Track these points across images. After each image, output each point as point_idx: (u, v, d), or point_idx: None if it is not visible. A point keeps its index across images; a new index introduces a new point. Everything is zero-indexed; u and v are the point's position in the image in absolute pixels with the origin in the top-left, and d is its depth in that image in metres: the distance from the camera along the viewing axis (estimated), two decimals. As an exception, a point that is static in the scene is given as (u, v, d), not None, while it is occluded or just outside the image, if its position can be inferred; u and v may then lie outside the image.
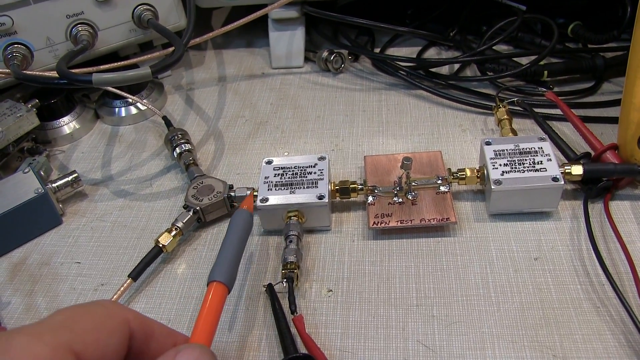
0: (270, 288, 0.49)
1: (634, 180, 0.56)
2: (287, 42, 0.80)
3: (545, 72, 0.70)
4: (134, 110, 0.74)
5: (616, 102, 0.65)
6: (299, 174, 0.55)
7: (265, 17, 0.77)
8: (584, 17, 0.75)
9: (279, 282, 0.49)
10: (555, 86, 0.71)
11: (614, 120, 0.62)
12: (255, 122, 0.71)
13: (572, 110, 0.60)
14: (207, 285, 0.40)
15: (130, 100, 0.72)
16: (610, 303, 0.46)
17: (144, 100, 0.72)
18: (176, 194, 0.62)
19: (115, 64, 0.67)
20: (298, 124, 0.70)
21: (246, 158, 0.66)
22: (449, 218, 0.52)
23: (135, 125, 0.74)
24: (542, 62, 0.70)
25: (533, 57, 0.69)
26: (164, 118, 0.68)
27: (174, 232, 0.54)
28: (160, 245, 0.53)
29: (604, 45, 0.73)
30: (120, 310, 0.33)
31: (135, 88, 0.74)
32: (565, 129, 0.63)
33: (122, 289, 0.50)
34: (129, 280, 0.51)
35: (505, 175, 0.52)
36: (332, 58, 0.77)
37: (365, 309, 0.48)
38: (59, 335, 0.29)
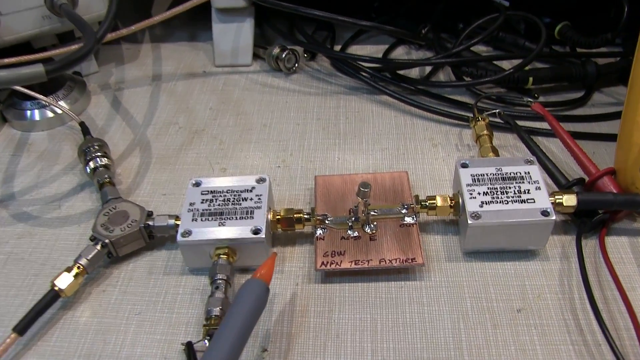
0: (189, 348, 0.41)
1: (632, 212, 0.50)
2: (234, 36, 0.73)
3: (531, 79, 0.65)
4: (49, 114, 0.65)
5: (609, 116, 0.62)
6: (231, 200, 0.48)
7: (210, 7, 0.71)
8: (573, 18, 0.70)
9: (201, 340, 0.41)
10: (540, 95, 0.66)
11: (607, 137, 0.59)
12: (190, 131, 0.64)
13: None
14: None
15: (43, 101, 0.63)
16: (610, 370, 0.40)
17: (60, 102, 0.64)
18: (88, 218, 0.53)
19: (22, 57, 0.58)
20: (240, 133, 0.63)
21: (175, 175, 0.58)
22: (414, 259, 0.46)
23: (49, 132, 0.65)
24: (526, 68, 0.65)
25: (515, 61, 0.65)
26: (82, 124, 0.60)
27: (75, 272, 0.45)
28: (57, 289, 0.44)
29: (594, 50, 0.69)
30: None
31: (51, 87, 0.65)
32: (551, 146, 0.59)
33: (3, 346, 0.41)
34: (12, 335, 0.42)
35: (485, 207, 0.46)
36: (284, 56, 0.71)
37: (308, 378, 0.41)
38: None
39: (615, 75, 0.66)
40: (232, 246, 0.45)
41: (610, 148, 0.56)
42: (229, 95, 0.69)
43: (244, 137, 0.63)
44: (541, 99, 0.65)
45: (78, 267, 0.45)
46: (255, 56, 0.75)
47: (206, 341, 0.41)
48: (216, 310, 0.42)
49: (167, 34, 0.82)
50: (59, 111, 0.64)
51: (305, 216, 0.48)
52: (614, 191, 0.48)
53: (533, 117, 0.61)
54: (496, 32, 0.71)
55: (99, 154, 0.55)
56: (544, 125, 0.59)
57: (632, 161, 0.48)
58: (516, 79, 0.65)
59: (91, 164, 0.54)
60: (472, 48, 0.69)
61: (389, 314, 0.44)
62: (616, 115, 0.60)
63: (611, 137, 0.57)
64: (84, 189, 0.57)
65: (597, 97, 0.66)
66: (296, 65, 0.72)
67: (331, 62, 0.74)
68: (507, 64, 0.67)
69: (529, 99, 0.63)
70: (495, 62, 0.69)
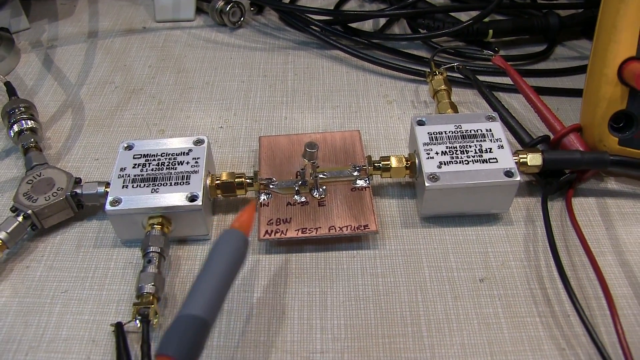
0: (119, 329, 0.38)
1: (599, 171, 0.49)
2: (175, -12, 0.70)
3: (491, 32, 0.62)
4: (-29, 73, 0.60)
5: (573, 71, 0.61)
6: (166, 164, 0.44)
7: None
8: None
9: (132, 321, 0.38)
10: (500, 49, 0.64)
11: (571, 92, 0.57)
12: (127, 90, 0.60)
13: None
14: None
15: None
16: (579, 342, 0.38)
17: (-17, 61, 0.59)
18: (13, 187, 0.49)
19: None
20: (180, 92, 0.59)
21: (110, 138, 0.54)
22: (367, 226, 0.43)
23: (-27, 93, 0.60)
24: (486, 20, 0.62)
25: (474, 13, 0.62)
26: (7, 84, 0.55)
27: (-8, 246, 0.41)
28: (-30, 265, 0.40)
29: (555, 2, 0.68)
30: None
31: (-29, 43, 0.60)
32: (513, 102, 0.57)
33: None
34: None
35: (444, 168, 0.43)
36: (228, 9, 0.67)
37: (251, 358, 0.38)
38: None
39: (577, 28, 0.64)
40: (166, 215, 0.42)
41: (574, 104, 0.55)
42: (170, 52, 0.66)
43: (184, 97, 0.59)
44: (501, 52, 0.63)
45: (-4, 242, 0.41)
46: (199, 10, 0.71)
47: (137, 322, 0.37)
48: (148, 287, 0.38)
49: (106, -12, 0.78)
50: (-18, 70, 0.59)
51: (247, 180, 0.45)
52: (581, 149, 0.47)
53: (494, 72, 0.59)
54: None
55: (24, 116, 0.51)
56: (506, 80, 0.57)
57: (600, 117, 0.46)
58: (475, 31, 0.63)
59: (15, 127, 0.50)
60: (428, -1, 0.65)
61: (340, 286, 0.42)
62: (580, 70, 0.59)
63: (575, 93, 0.56)
64: (9, 155, 0.53)
65: (560, 51, 0.64)
66: (242, 19, 0.69)
67: (279, 16, 0.71)
68: (465, 17, 0.65)
69: (490, 52, 0.61)
70: (453, 14, 0.66)
